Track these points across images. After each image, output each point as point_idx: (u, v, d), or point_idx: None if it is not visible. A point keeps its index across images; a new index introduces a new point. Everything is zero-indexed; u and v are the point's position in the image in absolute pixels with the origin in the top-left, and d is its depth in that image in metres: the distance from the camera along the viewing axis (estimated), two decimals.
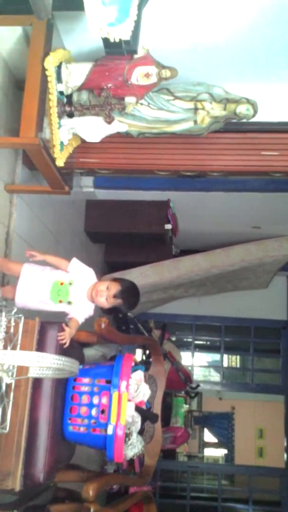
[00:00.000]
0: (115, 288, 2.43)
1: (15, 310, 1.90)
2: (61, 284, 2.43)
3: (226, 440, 9.50)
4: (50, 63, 2.37)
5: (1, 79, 2.89)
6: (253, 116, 2.74)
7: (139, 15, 2.07)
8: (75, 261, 2.50)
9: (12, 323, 1.88)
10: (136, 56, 2.48)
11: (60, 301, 2.42)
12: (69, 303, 2.43)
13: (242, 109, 2.70)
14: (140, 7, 2.06)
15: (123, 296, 2.44)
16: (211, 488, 8.21)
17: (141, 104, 2.68)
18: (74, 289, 2.44)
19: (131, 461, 3.20)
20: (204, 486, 8.45)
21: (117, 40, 2.03)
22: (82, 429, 2.43)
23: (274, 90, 3.09)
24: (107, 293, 2.42)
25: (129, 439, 2.51)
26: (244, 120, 2.78)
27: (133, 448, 2.54)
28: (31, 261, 2.50)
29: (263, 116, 2.87)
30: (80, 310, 2.45)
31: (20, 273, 2.45)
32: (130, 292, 2.51)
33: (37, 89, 2.37)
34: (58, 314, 2.50)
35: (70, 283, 2.44)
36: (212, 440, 9.86)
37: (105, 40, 2.09)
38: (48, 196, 3.60)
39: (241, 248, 5.38)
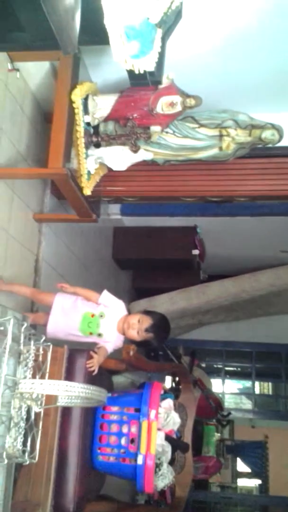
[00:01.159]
0: (147, 322, 2.42)
1: (43, 338, 1.91)
2: (92, 316, 2.43)
3: (259, 470, 9.22)
4: (77, 95, 2.43)
5: (30, 112, 2.97)
6: (279, 141, 2.74)
7: (163, 47, 2.10)
8: (106, 293, 2.49)
9: (41, 351, 1.89)
10: (160, 86, 2.52)
11: (90, 333, 2.43)
12: (99, 335, 2.43)
13: (268, 134, 2.71)
14: (164, 39, 2.10)
15: (154, 330, 2.43)
16: None
17: (167, 132, 2.71)
18: (105, 321, 2.43)
19: (162, 492, 3.13)
20: None
21: (141, 72, 2.07)
22: (111, 458, 2.41)
23: None
24: (138, 326, 2.41)
25: (160, 469, 2.47)
26: (270, 145, 2.79)
27: (164, 478, 2.49)
28: (63, 291, 2.52)
29: None
30: (110, 343, 2.45)
31: (52, 303, 2.47)
32: (161, 326, 2.50)
33: (65, 121, 2.43)
34: (87, 344, 2.50)
35: (101, 316, 2.44)
36: (246, 470, 9.59)
37: (130, 72, 2.13)
38: (76, 224, 3.65)
39: (270, 272, 5.32)
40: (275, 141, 2.73)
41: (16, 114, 2.81)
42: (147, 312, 2.51)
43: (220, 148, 2.75)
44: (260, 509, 8.41)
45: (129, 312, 2.53)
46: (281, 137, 2.73)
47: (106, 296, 2.49)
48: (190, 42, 2.57)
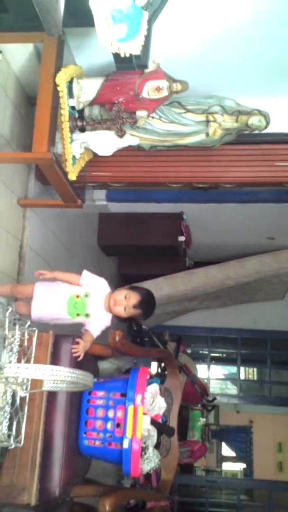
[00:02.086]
0: (134, 298, 2.40)
1: (28, 323, 1.90)
2: (77, 297, 2.41)
3: (244, 454, 9.36)
4: (62, 79, 2.40)
5: (13, 96, 2.93)
6: (266, 127, 2.74)
7: (149, 30, 2.08)
8: (86, 273, 2.46)
9: (26, 336, 1.89)
10: (147, 71, 2.50)
11: (78, 315, 2.40)
12: (87, 315, 2.40)
13: (254, 120, 2.70)
14: (150, 22, 2.08)
15: (142, 306, 2.41)
16: (230, 503, 8.09)
17: (153, 117, 2.70)
18: (91, 301, 2.41)
19: (148, 476, 3.16)
20: (222, 501, 8.31)
21: (127, 55, 2.05)
22: (97, 443, 2.42)
23: (286, 102, 3.09)
24: (125, 302, 2.39)
25: (145, 453, 2.49)
26: (257, 132, 2.79)
27: (150, 462, 2.51)
28: (41, 279, 2.48)
29: (276, 127, 2.87)
30: (98, 322, 2.43)
31: (32, 293, 2.44)
32: (148, 302, 2.48)
33: (49, 104, 2.40)
34: (73, 326, 2.48)
35: (86, 295, 2.41)
36: (230, 454, 9.72)
37: (116, 56, 2.11)
38: (61, 210, 3.62)
39: (256, 259, 5.36)
40: (261, 127, 2.73)
41: None
42: (133, 288, 2.48)
43: (207, 134, 2.75)
44: (245, 493, 8.54)
45: None
46: (267, 123, 2.73)
47: (87, 276, 2.46)
48: (177, 27, 2.54)
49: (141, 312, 2.42)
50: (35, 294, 2.43)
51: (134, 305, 2.39)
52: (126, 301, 2.39)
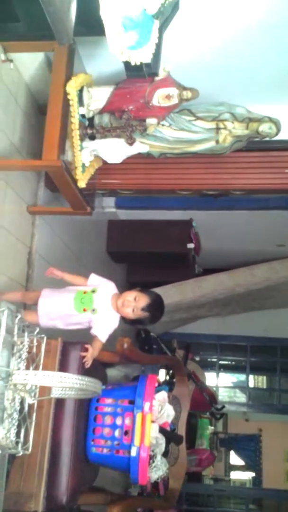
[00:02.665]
0: (144, 300, 2.38)
1: (37, 330, 1.90)
2: (84, 293, 2.40)
3: (253, 463, 9.28)
4: (72, 87, 2.42)
5: (24, 104, 2.95)
6: (276, 134, 2.74)
7: (160, 38, 2.09)
8: (93, 275, 2.49)
9: (35, 343, 1.89)
10: (157, 78, 2.51)
11: (84, 310, 2.37)
12: (94, 311, 2.37)
13: (265, 127, 2.70)
14: (161, 30, 2.09)
15: (151, 310, 2.39)
16: None
17: (163, 125, 2.70)
18: (98, 296, 2.40)
19: (155, 484, 3.15)
20: (231, 511, 8.24)
21: (138, 63, 2.06)
22: (105, 450, 2.41)
23: None
24: (134, 304, 2.36)
25: (153, 461, 2.48)
26: (267, 139, 2.78)
27: (158, 470, 2.49)
28: (51, 277, 2.50)
29: (286, 134, 2.86)
30: (105, 320, 2.40)
31: (39, 295, 2.45)
32: (157, 306, 2.46)
33: (59, 112, 2.41)
34: (81, 332, 2.47)
35: (93, 291, 2.41)
36: (239, 463, 9.64)
37: (126, 64, 2.12)
38: (70, 217, 3.63)
39: (266, 266, 5.33)
40: (272, 134, 2.73)
41: (10, 106, 2.79)
42: (143, 290, 2.46)
43: (217, 141, 2.75)
44: (254, 502, 8.46)
45: None
46: (278, 130, 2.72)
47: (94, 277, 2.49)
48: (188, 35, 2.55)
49: (148, 315, 2.40)
50: (43, 294, 2.44)
51: (143, 307, 2.37)
52: (135, 302, 2.37)
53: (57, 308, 2.41)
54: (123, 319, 2.46)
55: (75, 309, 2.38)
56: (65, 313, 2.40)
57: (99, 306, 2.39)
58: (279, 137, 2.79)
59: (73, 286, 2.48)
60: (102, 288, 2.44)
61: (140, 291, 2.44)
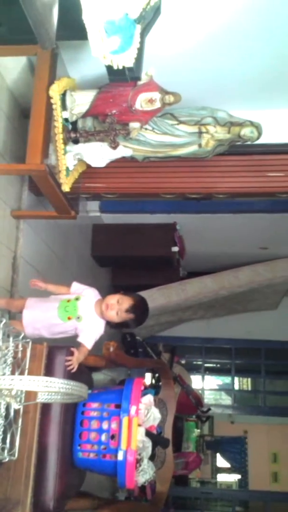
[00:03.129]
0: (127, 302, 2.39)
1: (22, 335, 1.90)
2: (68, 301, 2.42)
3: (239, 465, 9.31)
4: (55, 91, 2.42)
5: (6, 108, 2.94)
6: (258, 138, 2.76)
7: (142, 42, 2.10)
8: (75, 284, 2.52)
9: (20, 348, 1.88)
10: (139, 83, 2.52)
11: (69, 318, 2.39)
12: (79, 318, 2.39)
13: (247, 131, 2.72)
14: (143, 34, 2.10)
15: (135, 311, 2.40)
16: None
17: (146, 129, 2.71)
18: (82, 303, 2.42)
19: (142, 488, 3.14)
20: None
21: (120, 68, 2.06)
22: (92, 455, 2.40)
23: (278, 113, 3.13)
24: (118, 307, 2.38)
25: (140, 465, 2.47)
26: (249, 143, 2.81)
27: (145, 474, 2.49)
28: (35, 289, 2.52)
29: (268, 138, 2.89)
30: (90, 327, 2.41)
31: (24, 305, 2.47)
32: (141, 307, 2.47)
33: (43, 116, 2.41)
34: (68, 339, 2.47)
35: (77, 299, 2.43)
36: (225, 465, 9.67)
37: (109, 68, 2.12)
38: (55, 221, 3.62)
39: (250, 269, 5.37)
40: (254, 138, 2.75)
41: None
42: (125, 293, 2.47)
43: (200, 145, 2.76)
44: (240, 504, 8.49)
45: None
46: (260, 134, 2.75)
47: (76, 286, 2.52)
48: (170, 39, 2.57)
49: (133, 317, 2.41)
50: (27, 304, 2.46)
51: (126, 309, 2.38)
52: (119, 305, 2.38)
53: (41, 318, 2.42)
54: (109, 324, 2.46)
55: (60, 318, 2.39)
56: (50, 323, 2.41)
57: (84, 313, 2.40)
58: (261, 141, 2.81)
59: (57, 295, 2.49)
60: (85, 295, 2.46)
61: (122, 294, 2.45)
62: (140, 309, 2.46)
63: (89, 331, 2.40)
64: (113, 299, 2.40)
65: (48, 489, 2.12)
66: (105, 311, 2.39)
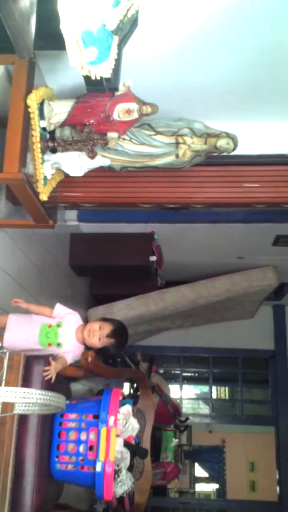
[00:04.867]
0: (108, 327, 2.48)
1: None
2: (49, 327, 2.46)
3: (217, 475, 9.33)
4: (33, 100, 2.41)
5: None
6: (234, 149, 2.80)
7: (119, 54, 2.12)
8: (58, 306, 2.55)
9: None
10: (117, 93, 2.54)
11: (50, 344, 2.44)
12: (59, 345, 2.45)
13: (223, 143, 2.75)
14: (120, 46, 2.12)
15: (115, 335, 2.49)
16: None
17: (124, 139, 2.72)
18: (63, 330, 2.47)
19: (121, 499, 3.12)
20: None
21: (98, 78, 2.08)
22: (70, 467, 2.38)
23: (253, 125, 3.18)
24: (99, 333, 2.46)
25: (119, 476, 2.46)
26: (225, 154, 2.84)
27: (123, 485, 2.48)
28: (16, 307, 2.53)
29: (244, 149, 2.93)
30: (70, 352, 2.46)
31: (6, 323, 2.46)
32: (121, 332, 2.56)
33: (20, 125, 2.40)
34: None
35: (59, 325, 2.48)
36: (204, 475, 9.66)
37: (87, 78, 2.13)
38: (32, 230, 3.60)
39: (226, 278, 5.42)
40: (230, 149, 2.79)
41: None
42: (106, 319, 2.57)
43: (177, 156, 2.78)
44: None
45: (87, 319, 2.56)
46: (235, 145, 2.79)
47: (59, 308, 2.54)
48: (148, 50, 2.59)
49: (114, 342, 2.49)
50: (8, 324, 2.46)
51: (107, 334, 2.46)
52: (101, 331, 2.46)
53: (21, 342, 2.43)
54: (91, 350, 2.50)
55: (40, 344, 2.44)
56: (30, 348, 2.44)
57: (64, 340, 2.46)
58: (237, 152, 2.85)
59: (39, 316, 2.51)
60: (67, 321, 2.51)
61: (103, 320, 2.54)
62: (120, 333, 2.55)
63: (68, 355, 2.46)
64: (95, 325, 2.48)
65: (25, 502, 2.10)
66: (87, 337, 2.46)
